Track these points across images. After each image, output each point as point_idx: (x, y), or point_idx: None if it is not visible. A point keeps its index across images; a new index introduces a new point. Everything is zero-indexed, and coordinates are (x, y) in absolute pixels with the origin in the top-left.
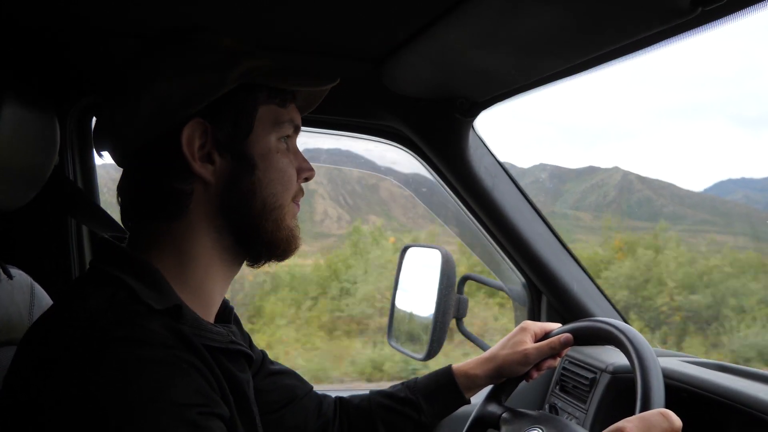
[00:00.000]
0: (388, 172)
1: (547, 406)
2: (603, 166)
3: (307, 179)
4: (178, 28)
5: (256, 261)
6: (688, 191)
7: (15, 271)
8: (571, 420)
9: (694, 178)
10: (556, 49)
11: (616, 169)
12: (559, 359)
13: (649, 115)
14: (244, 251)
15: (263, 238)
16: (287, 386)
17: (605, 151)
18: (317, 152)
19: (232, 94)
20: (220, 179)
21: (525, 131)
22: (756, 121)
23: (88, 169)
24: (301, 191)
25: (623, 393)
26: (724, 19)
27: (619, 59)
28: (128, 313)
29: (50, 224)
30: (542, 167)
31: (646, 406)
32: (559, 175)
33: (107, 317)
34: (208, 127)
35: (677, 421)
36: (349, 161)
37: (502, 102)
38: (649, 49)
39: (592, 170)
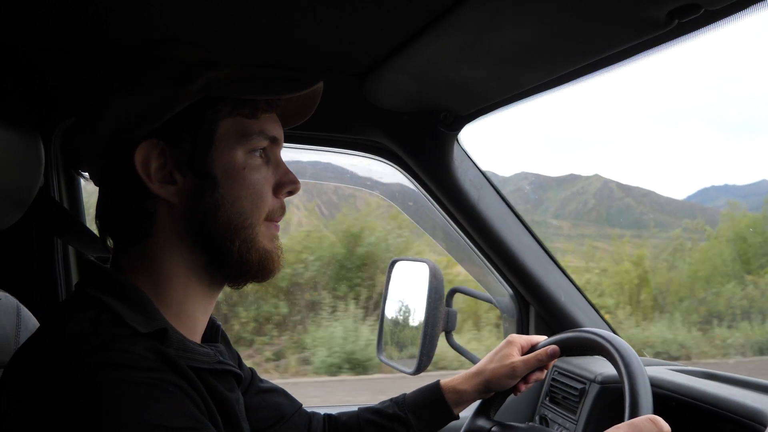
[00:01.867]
0: (374, 186)
1: (537, 418)
2: (584, 173)
3: (290, 193)
4: (142, 44)
5: (233, 282)
6: (668, 198)
7: (1, 294)
8: (561, 431)
9: (677, 186)
10: (537, 63)
11: (597, 176)
12: (546, 371)
13: (631, 122)
14: (218, 273)
15: (233, 259)
16: (277, 404)
17: (587, 159)
18: (301, 167)
19: (190, 109)
20: (183, 199)
21: (507, 140)
22: (738, 127)
23: (74, 189)
24: (280, 208)
25: (613, 403)
26: (700, 30)
27: (599, 72)
28: (111, 336)
29: (36, 246)
30: (524, 176)
31: (634, 413)
32: (540, 184)
33: (91, 342)
34: (164, 147)
35: (665, 427)
36: (335, 176)
37: (485, 115)
38: (627, 61)
39: (573, 178)
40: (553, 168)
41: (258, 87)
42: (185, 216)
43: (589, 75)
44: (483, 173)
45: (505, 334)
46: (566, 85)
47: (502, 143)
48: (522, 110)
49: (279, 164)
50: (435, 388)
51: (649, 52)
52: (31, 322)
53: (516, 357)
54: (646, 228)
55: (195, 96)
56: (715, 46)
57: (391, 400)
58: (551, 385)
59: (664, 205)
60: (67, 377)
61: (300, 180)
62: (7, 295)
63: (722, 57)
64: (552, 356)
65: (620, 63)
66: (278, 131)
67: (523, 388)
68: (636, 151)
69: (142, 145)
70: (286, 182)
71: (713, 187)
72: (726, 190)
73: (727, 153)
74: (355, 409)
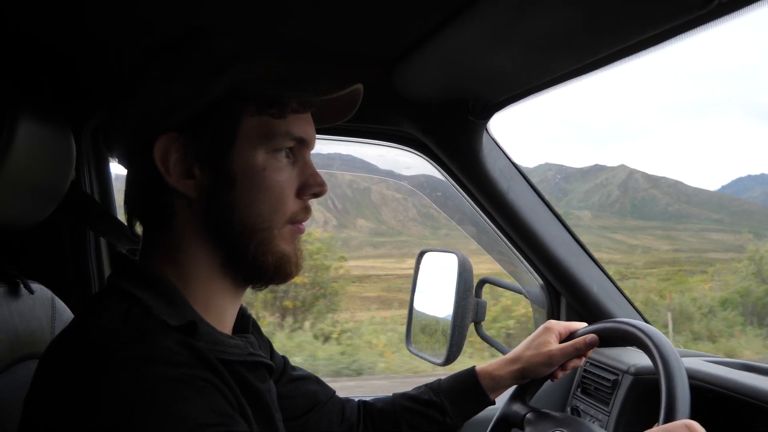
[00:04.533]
0: (402, 177)
1: (569, 409)
2: (609, 164)
3: (316, 195)
4: (175, 36)
5: (251, 283)
6: (696, 189)
7: (36, 286)
8: (594, 423)
9: (712, 176)
10: (568, 48)
11: (622, 167)
12: (584, 359)
13: (662, 111)
14: (236, 272)
15: (249, 261)
16: (310, 392)
17: (617, 150)
18: (330, 159)
19: (216, 105)
20: (201, 194)
21: (534, 130)
22: None
23: (105, 182)
24: (304, 211)
25: (646, 394)
26: (741, 11)
27: (633, 56)
28: (142, 330)
29: (69, 238)
30: (548, 167)
31: (670, 417)
32: (565, 175)
33: (120, 336)
34: (185, 141)
35: None
36: (363, 167)
37: (515, 103)
38: (662, 45)
39: (598, 169)
40: (583, 159)
41: (287, 87)
42: (203, 212)
43: (624, 59)
44: (513, 162)
45: (536, 325)
46: (600, 70)
47: (527, 134)
48: (553, 102)
49: (306, 165)
50: (470, 374)
51: (686, 34)
52: (65, 313)
53: (553, 345)
54: (671, 220)
55: (221, 92)
56: (744, 30)
57: (426, 385)
58: (583, 377)
59: (691, 196)
60: (97, 372)
61: (326, 172)
62: (42, 287)
63: (758, 42)
64: (590, 345)
65: (656, 46)
66: (308, 132)
67: (560, 374)
68: (668, 141)
69: (161, 138)
70: (312, 184)
71: (749, 177)
72: (763, 179)
73: (763, 140)
74: (390, 395)
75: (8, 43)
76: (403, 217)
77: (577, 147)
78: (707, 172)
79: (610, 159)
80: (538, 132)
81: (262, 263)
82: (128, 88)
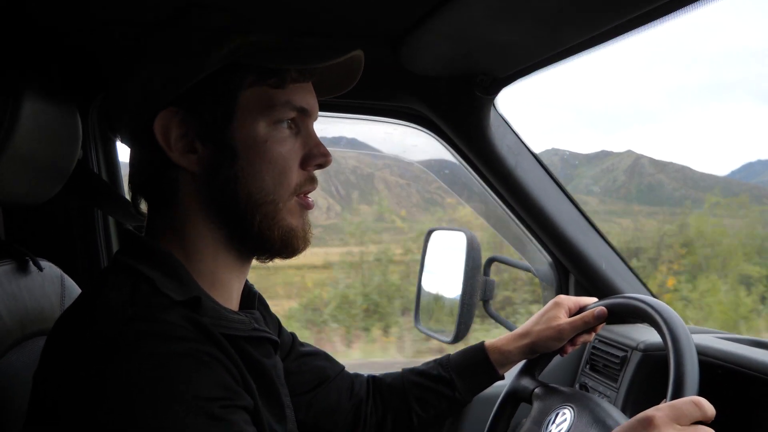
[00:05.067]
0: (410, 155)
1: (577, 386)
2: (616, 150)
3: (320, 166)
4: (175, 11)
5: (258, 256)
6: (703, 174)
7: (44, 264)
8: (602, 399)
9: (721, 161)
10: (578, 19)
11: (629, 152)
12: (593, 334)
13: (671, 95)
14: (242, 246)
15: (254, 234)
16: (318, 367)
17: (625, 136)
18: (334, 141)
19: (214, 77)
20: (204, 169)
21: (541, 116)
22: None
23: (112, 160)
24: (309, 181)
25: (655, 370)
26: None
27: (644, 26)
28: (148, 306)
29: (77, 216)
30: (554, 152)
31: (678, 393)
32: (571, 160)
33: (127, 311)
34: (185, 115)
35: (710, 410)
36: (370, 146)
37: (523, 78)
38: (673, 14)
39: (604, 154)
40: (586, 145)
41: (285, 56)
42: (207, 187)
43: (635, 30)
44: (520, 139)
45: (544, 302)
46: (610, 41)
47: (533, 120)
48: (560, 85)
49: (309, 136)
50: (479, 349)
51: (698, 4)
52: (75, 290)
53: (563, 319)
54: (678, 205)
55: (219, 63)
56: (756, 12)
57: (435, 361)
58: (592, 353)
59: (698, 181)
60: (103, 347)
61: (333, 149)
62: (51, 264)
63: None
64: (599, 318)
65: (667, 16)
66: (309, 102)
67: (569, 349)
68: (676, 126)
69: (161, 113)
70: (315, 155)
71: (759, 161)
72: None
73: None
74: (399, 371)
75: (12, 22)
76: (407, 203)
77: (585, 133)
78: (716, 157)
79: (618, 145)
80: (545, 118)
81: (269, 237)
82: (127, 66)
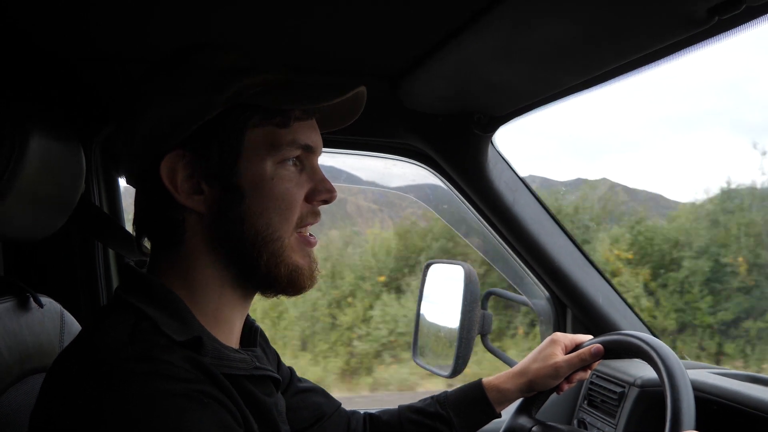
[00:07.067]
0: (408, 189)
1: (575, 422)
2: (591, 178)
3: (325, 202)
4: (179, 50)
5: (264, 293)
6: (675, 201)
7: (45, 300)
8: None
9: (693, 189)
10: (573, 62)
11: (604, 180)
12: (589, 371)
13: (650, 125)
14: (249, 284)
15: (262, 272)
16: (316, 404)
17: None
18: (337, 172)
19: (220, 118)
20: (211, 209)
21: (523, 145)
22: (759, 128)
23: (113, 194)
24: (312, 215)
25: (653, 406)
26: (741, 27)
27: (637, 71)
28: (148, 346)
29: (77, 251)
30: (531, 179)
31: (675, 429)
32: (548, 188)
33: (127, 350)
34: (192, 157)
35: None
36: (368, 180)
37: (520, 117)
38: (665, 60)
39: (580, 182)
40: (565, 173)
41: (289, 96)
42: (214, 227)
43: (627, 74)
44: (518, 175)
45: (542, 337)
46: (603, 84)
47: (515, 149)
48: (543, 116)
49: (314, 172)
50: (477, 387)
51: (688, 50)
52: (74, 327)
53: (559, 357)
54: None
55: (224, 105)
56: (731, 46)
57: (432, 398)
58: (589, 389)
59: (667, 209)
60: (103, 388)
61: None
62: (51, 300)
63: (739, 56)
64: (596, 356)
65: (658, 62)
66: (313, 139)
67: (566, 387)
68: (651, 155)
69: (167, 156)
70: (321, 191)
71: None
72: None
73: (746, 155)
74: (396, 408)
75: (19, 57)
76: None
77: (565, 161)
78: (688, 186)
79: (595, 173)
80: (527, 147)
81: (275, 275)
82: (130, 104)
